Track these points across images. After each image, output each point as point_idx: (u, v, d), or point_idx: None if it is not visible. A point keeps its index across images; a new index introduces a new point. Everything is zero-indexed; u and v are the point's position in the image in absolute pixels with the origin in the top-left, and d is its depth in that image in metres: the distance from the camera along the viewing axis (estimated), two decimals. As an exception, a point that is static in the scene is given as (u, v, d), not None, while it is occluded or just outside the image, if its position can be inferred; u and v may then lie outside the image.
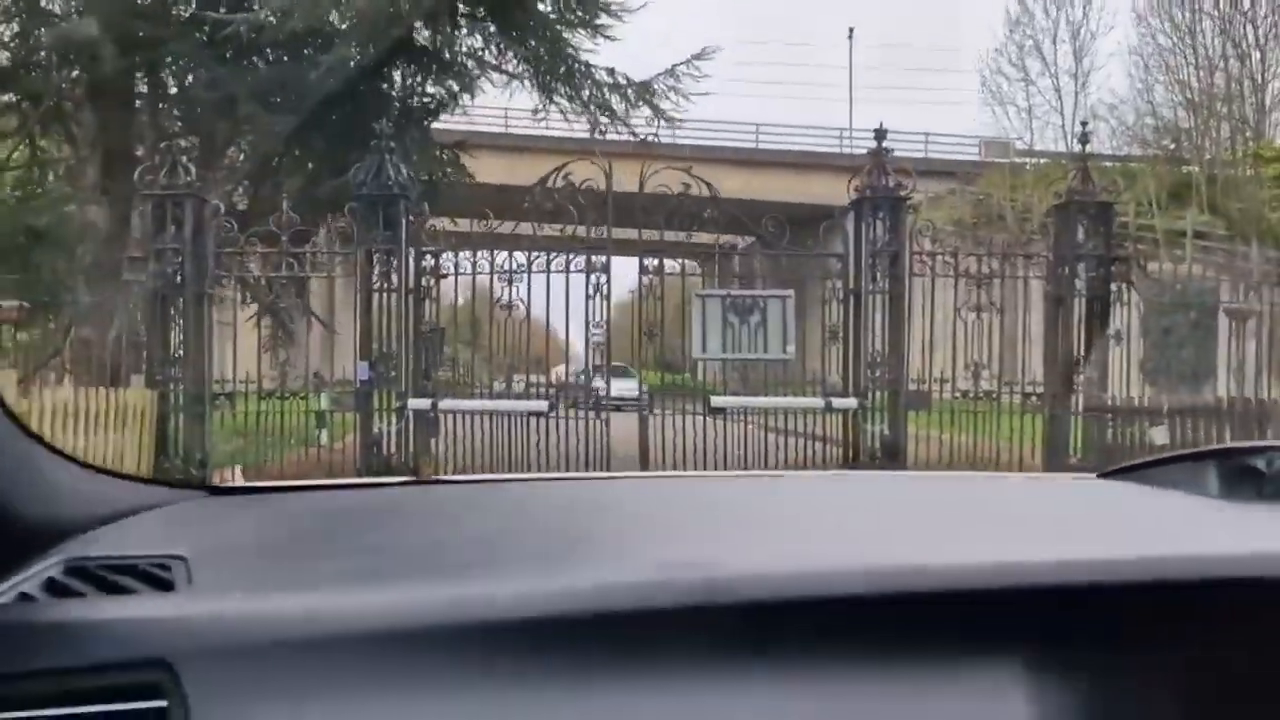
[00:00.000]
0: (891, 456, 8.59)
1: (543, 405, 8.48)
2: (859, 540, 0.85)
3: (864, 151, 10.14)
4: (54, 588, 0.70)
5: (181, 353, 8.66)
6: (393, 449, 8.54)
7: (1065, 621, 0.72)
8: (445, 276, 9.13)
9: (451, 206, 10.95)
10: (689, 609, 0.62)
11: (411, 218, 8.82)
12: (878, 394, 8.80)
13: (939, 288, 9.18)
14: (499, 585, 0.65)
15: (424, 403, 8.65)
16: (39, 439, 0.77)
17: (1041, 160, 28.26)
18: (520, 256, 8.75)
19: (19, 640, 0.64)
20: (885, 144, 9.14)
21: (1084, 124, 10.84)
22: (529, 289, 8.75)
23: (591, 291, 8.50)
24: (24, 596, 0.69)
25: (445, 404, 8.74)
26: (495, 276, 8.78)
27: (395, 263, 8.79)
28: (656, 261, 8.78)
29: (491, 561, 0.76)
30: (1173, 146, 23.75)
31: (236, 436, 9.47)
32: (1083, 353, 8.88)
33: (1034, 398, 9.09)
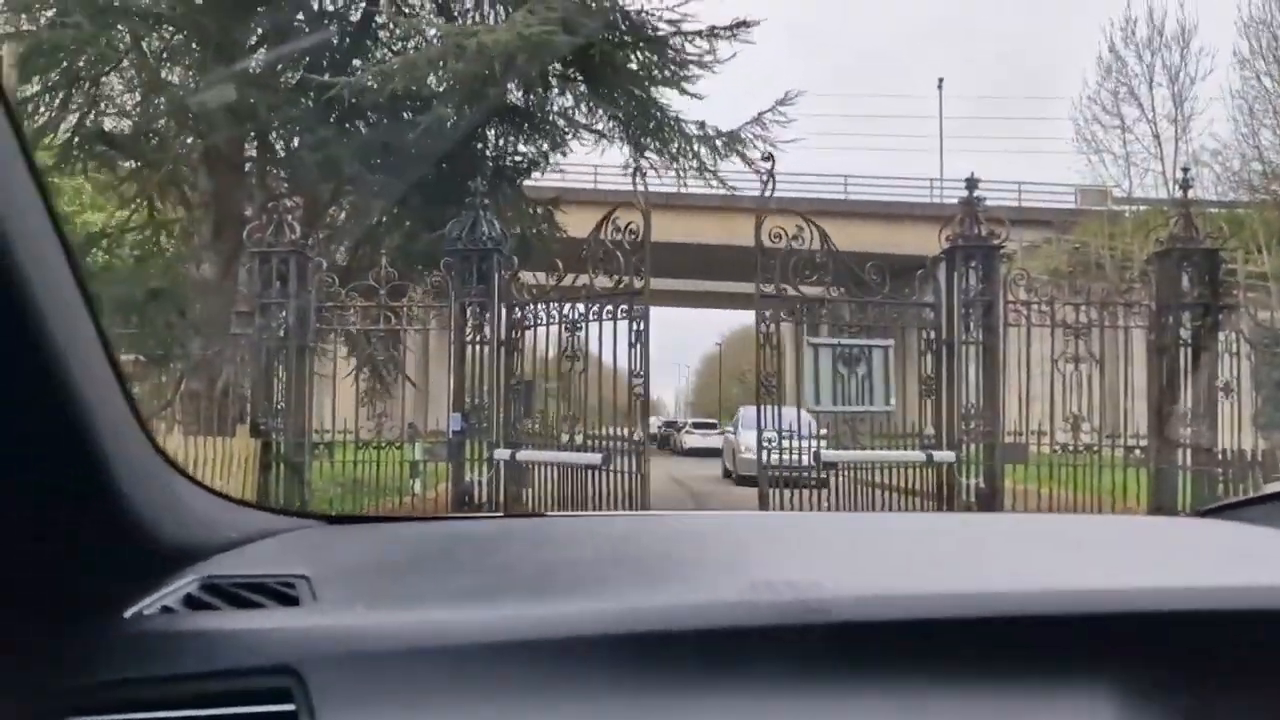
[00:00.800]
0: (987, 511, 8.35)
1: (596, 459, 8.45)
2: (952, 568, 0.85)
3: (955, 201, 10.03)
4: (192, 602, 0.76)
5: (284, 403, 8.97)
6: (484, 498, 8.66)
7: (1157, 648, 0.71)
8: (527, 328, 9.23)
9: (544, 261, 11.18)
10: (783, 628, 0.64)
11: (504, 272, 9.03)
12: (972, 447, 8.60)
13: (1035, 338, 8.97)
14: (606, 604, 0.68)
15: (505, 453, 8.76)
16: (181, 470, 0.84)
17: (1141, 207, 27.51)
18: (580, 307, 8.74)
19: (163, 648, 0.70)
20: (977, 193, 9.04)
21: (1185, 169, 10.56)
22: (599, 338, 8.64)
23: (632, 339, 8.41)
24: (166, 609, 0.75)
25: (521, 454, 8.81)
26: (561, 326, 8.80)
27: (488, 315, 9.00)
28: (769, 312, 8.60)
29: (598, 583, 0.79)
30: (1282, 191, 22.86)
31: (334, 484, 9.75)
32: (1190, 404, 8.55)
33: (1137, 451, 8.76)
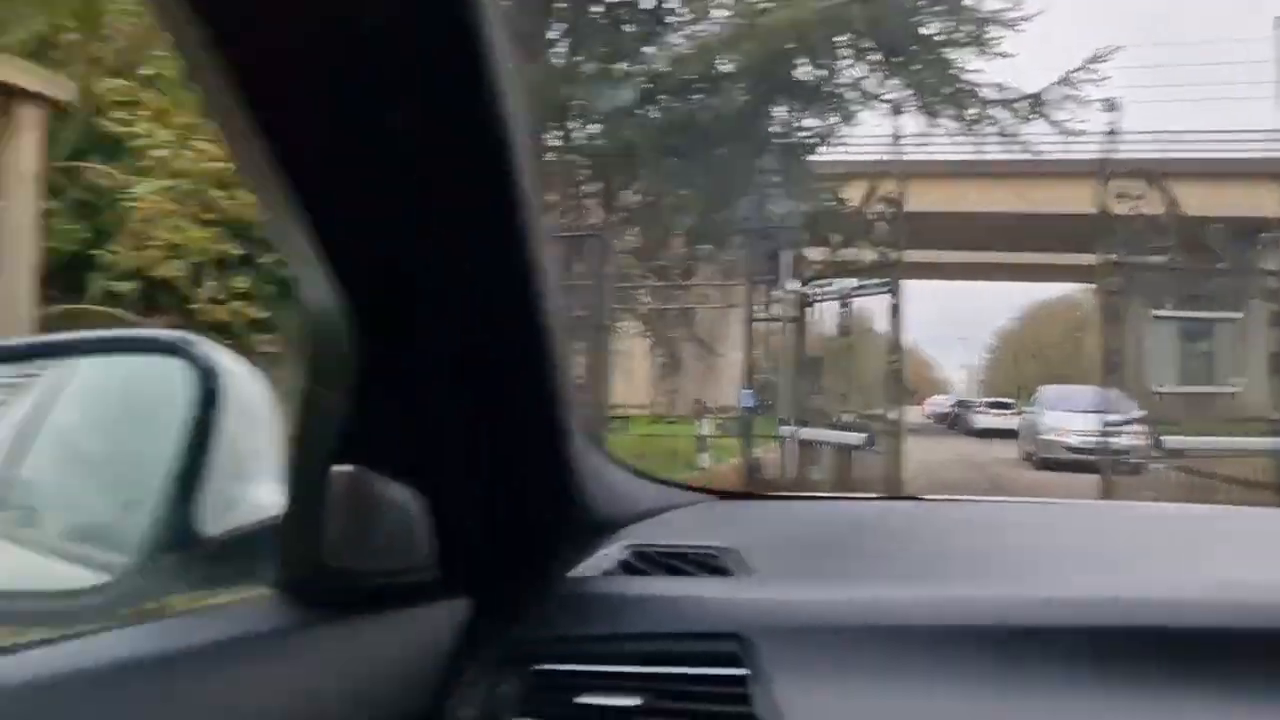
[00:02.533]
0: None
1: (859, 438, 8.16)
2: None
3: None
4: (626, 568, 0.85)
5: (584, 379, 9.48)
6: (774, 473, 8.75)
7: None
8: (808, 305, 9.11)
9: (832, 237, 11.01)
10: (1262, 632, 0.60)
11: (792, 250, 9.02)
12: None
13: None
14: (1056, 591, 0.69)
15: (789, 430, 8.76)
16: (600, 448, 0.93)
17: None
18: (843, 282, 8.47)
19: (608, 607, 0.79)
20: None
21: None
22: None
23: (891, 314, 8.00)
24: (606, 573, 0.84)
25: (802, 432, 8.74)
26: (837, 300, 8.58)
27: (776, 293, 9.04)
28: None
29: (1036, 568, 0.79)
30: None
31: (629, 456, 10.20)
32: None
33: None
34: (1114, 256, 7.52)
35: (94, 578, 0.84)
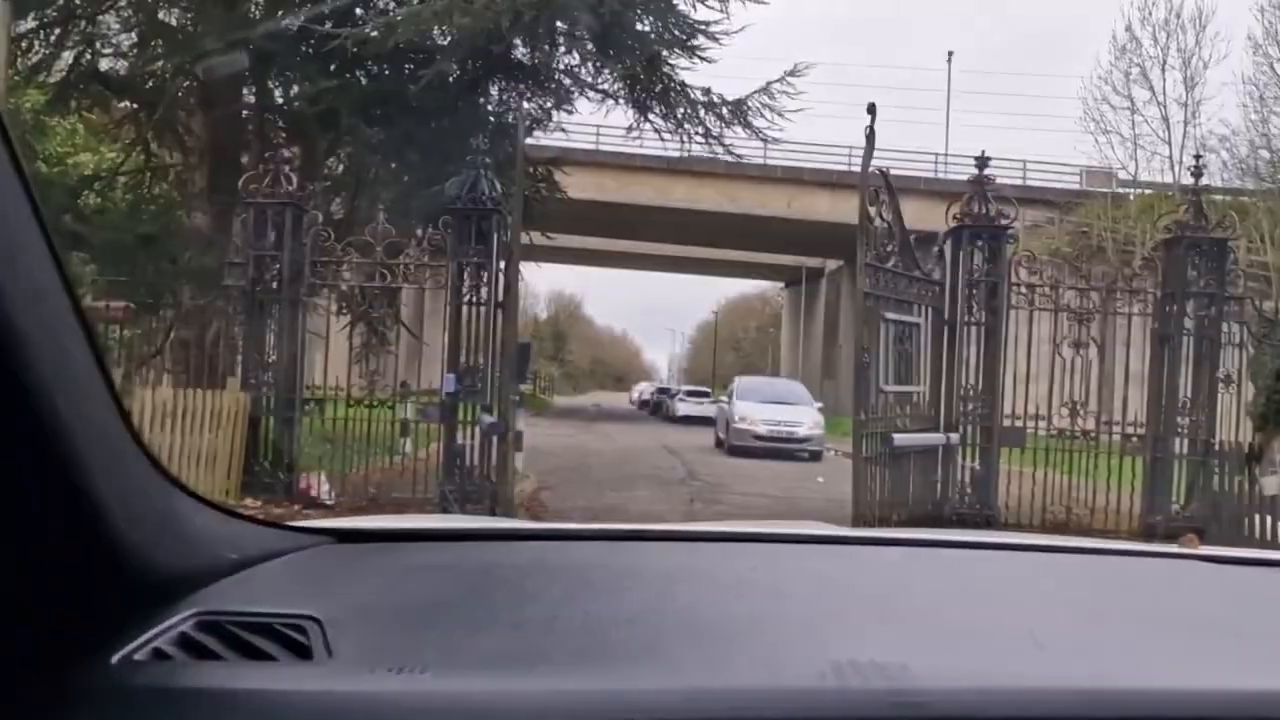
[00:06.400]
0: (983, 493, 8.34)
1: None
2: (1057, 642, 0.76)
3: (959, 177, 9.91)
4: (187, 642, 0.67)
5: (275, 357, 8.87)
6: (474, 461, 8.60)
7: None
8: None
9: (543, 221, 11.02)
10: None
11: (503, 232, 8.90)
12: (969, 429, 8.56)
13: (1036, 321, 8.90)
14: (664, 681, 0.60)
15: (489, 418, 8.66)
16: (178, 483, 0.75)
17: (1146, 191, 27.38)
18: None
19: (154, 704, 0.61)
20: (985, 171, 8.91)
21: (1197, 156, 10.42)
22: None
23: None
24: (158, 653, 0.66)
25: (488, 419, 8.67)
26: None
27: (485, 275, 8.87)
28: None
29: (650, 648, 0.70)
30: (1288, 180, 22.79)
31: (324, 442, 9.67)
32: (1189, 394, 8.51)
33: (1134, 439, 8.74)
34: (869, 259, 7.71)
35: None
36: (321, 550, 0.86)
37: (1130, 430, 8.76)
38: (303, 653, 0.66)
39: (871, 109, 7.65)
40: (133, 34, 11.39)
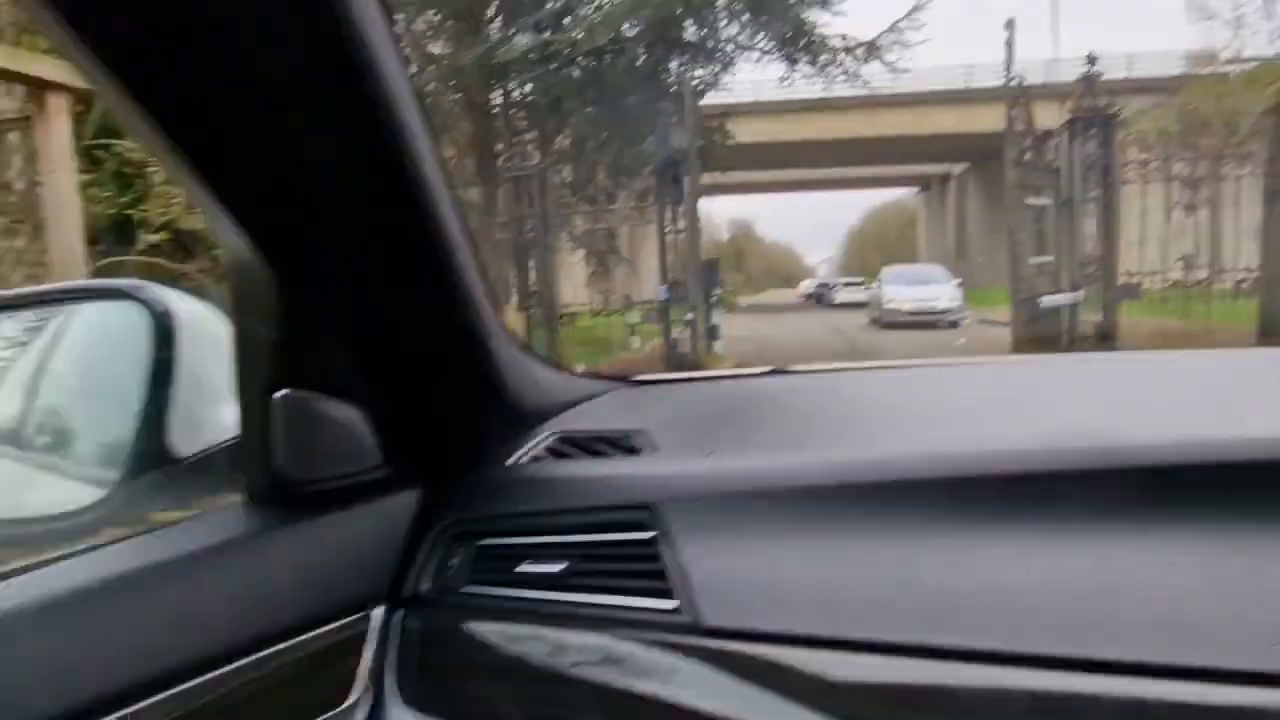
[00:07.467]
0: (1105, 340, 7.64)
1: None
2: (1252, 406, 0.66)
3: (1069, 81, 8.79)
4: (554, 453, 0.76)
5: (537, 287, 9.32)
6: (687, 349, 8.77)
7: None
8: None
9: (719, 164, 10.79)
10: (1094, 473, 0.53)
11: (690, 175, 8.83)
12: (1091, 288, 7.81)
13: (1149, 193, 7.91)
14: (913, 448, 0.62)
15: (690, 316, 8.70)
16: (532, 352, 0.84)
17: (1251, 63, 23.25)
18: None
19: (540, 489, 0.71)
20: (1094, 68, 7.87)
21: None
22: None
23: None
24: (535, 459, 0.76)
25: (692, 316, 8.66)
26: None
27: (681, 209, 8.88)
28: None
29: (887, 430, 0.72)
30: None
31: (576, 344, 10.14)
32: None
33: (1245, 284, 7.68)
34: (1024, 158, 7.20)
35: (87, 497, 0.74)
36: (624, 390, 0.93)
37: (1243, 276, 7.71)
38: (633, 452, 0.73)
39: (1010, 24, 6.98)
40: (412, 65, 11.88)
